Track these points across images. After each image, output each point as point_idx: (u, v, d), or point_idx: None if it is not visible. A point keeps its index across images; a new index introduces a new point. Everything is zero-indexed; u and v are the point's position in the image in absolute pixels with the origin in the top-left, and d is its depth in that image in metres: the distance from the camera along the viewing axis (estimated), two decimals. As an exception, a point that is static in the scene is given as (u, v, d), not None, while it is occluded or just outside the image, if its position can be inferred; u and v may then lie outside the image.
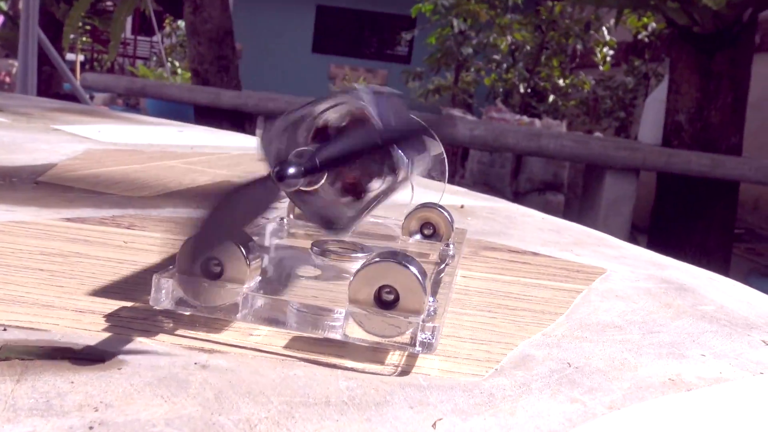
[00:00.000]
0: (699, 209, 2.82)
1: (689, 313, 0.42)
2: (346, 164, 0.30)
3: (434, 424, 0.24)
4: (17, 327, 0.28)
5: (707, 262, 0.60)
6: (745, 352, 0.36)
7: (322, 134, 0.31)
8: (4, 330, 0.28)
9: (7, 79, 6.52)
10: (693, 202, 2.84)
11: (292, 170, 0.26)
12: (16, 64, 3.65)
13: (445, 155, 0.46)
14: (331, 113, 0.32)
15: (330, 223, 0.31)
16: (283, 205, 0.48)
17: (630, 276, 0.50)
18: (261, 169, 0.29)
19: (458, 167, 4.30)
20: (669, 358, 0.33)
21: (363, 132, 0.30)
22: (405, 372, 0.28)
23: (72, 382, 0.24)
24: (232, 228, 0.28)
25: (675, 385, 0.30)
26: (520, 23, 5.45)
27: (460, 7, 5.30)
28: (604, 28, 5.37)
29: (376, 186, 0.32)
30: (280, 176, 0.26)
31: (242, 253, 0.29)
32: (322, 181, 0.29)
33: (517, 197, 3.73)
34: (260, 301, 0.30)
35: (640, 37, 5.13)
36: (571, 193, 4.06)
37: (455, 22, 5.40)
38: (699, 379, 0.31)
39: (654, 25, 4.83)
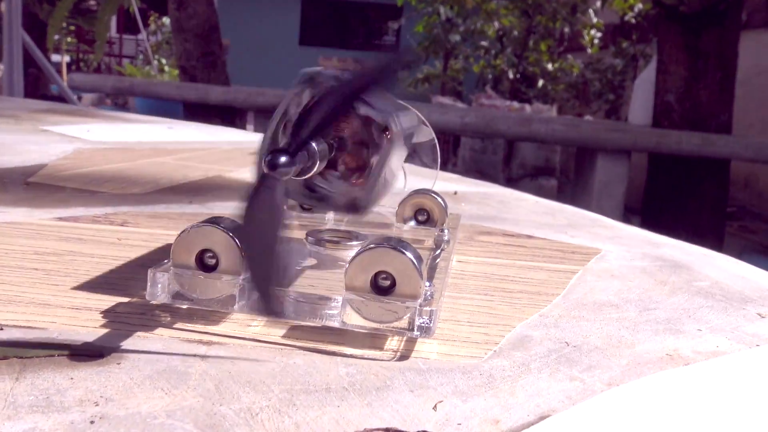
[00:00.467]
0: (691, 188, 2.83)
1: (685, 289, 0.42)
2: (326, 128, 0.29)
3: (435, 406, 0.24)
4: (14, 326, 0.28)
5: (700, 240, 0.61)
6: (741, 325, 0.36)
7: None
8: (1, 330, 0.28)
9: (-7, 83, 6.46)
10: (685, 181, 2.85)
11: (282, 158, 0.26)
12: (1, 67, 3.62)
13: (436, 141, 0.46)
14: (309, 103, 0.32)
15: (352, 207, 0.32)
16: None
17: (625, 255, 0.50)
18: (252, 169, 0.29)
19: (450, 155, 4.30)
20: (666, 334, 0.34)
21: (326, 96, 0.30)
22: (404, 357, 0.28)
23: (71, 378, 0.24)
24: (274, 252, 0.28)
25: (672, 360, 0.30)
26: (507, 8, 5.44)
27: (446, -5, 5.28)
28: (590, 11, 5.37)
29: (375, 156, 0.32)
30: (273, 165, 0.26)
31: (236, 244, 0.29)
32: (317, 165, 0.28)
33: (510, 183, 3.74)
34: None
35: (627, 18, 5.13)
36: (563, 177, 4.07)
37: (442, 10, 5.38)
38: (696, 354, 0.31)
39: (640, 5, 4.83)
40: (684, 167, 2.81)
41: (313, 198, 0.32)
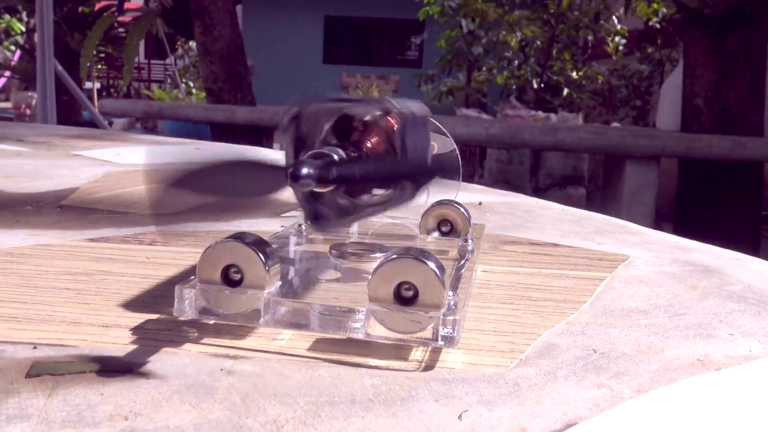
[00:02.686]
0: (724, 193, 2.78)
1: (716, 293, 0.41)
2: (361, 186, 0.30)
3: (460, 415, 0.24)
4: (47, 344, 0.29)
5: (735, 246, 0.59)
6: (775, 328, 0.35)
7: (344, 123, 0.32)
8: (35, 348, 0.28)
9: (27, 111, 6.65)
10: (717, 186, 2.79)
11: (305, 171, 0.26)
12: (35, 95, 3.72)
13: (458, 151, 0.46)
14: (358, 108, 0.32)
15: (318, 219, 0.32)
16: (300, 213, 0.48)
17: (654, 261, 0.49)
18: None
19: (477, 167, 4.28)
20: (696, 339, 0.33)
21: (386, 164, 0.30)
22: (429, 367, 0.28)
23: (102, 394, 0.24)
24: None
25: (704, 365, 0.30)
26: (529, 19, 5.42)
27: (467, 8, 5.29)
28: (614, 17, 5.33)
29: (378, 193, 0.32)
30: (295, 177, 0.26)
31: (261, 259, 0.30)
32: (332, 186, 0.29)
33: (538, 193, 3.70)
34: (282, 305, 0.30)
35: (651, 23, 5.08)
36: (592, 186, 4.03)
37: (464, 23, 5.40)
38: (728, 359, 0.31)
39: (664, 10, 4.77)
40: (716, 172, 2.76)
41: (346, 207, 0.32)
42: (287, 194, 0.31)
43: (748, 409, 0.26)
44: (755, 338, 0.34)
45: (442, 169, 0.31)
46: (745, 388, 0.28)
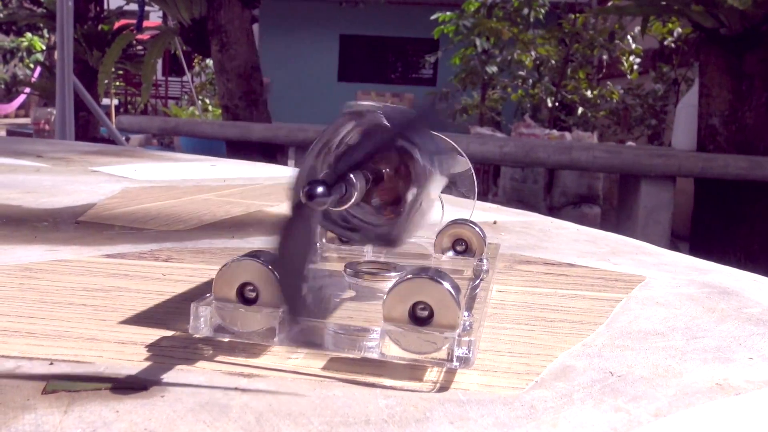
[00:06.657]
0: (740, 213, 2.75)
1: (734, 316, 0.41)
2: (363, 165, 0.30)
3: (476, 438, 0.24)
4: (63, 360, 0.29)
5: (752, 266, 0.59)
6: (795, 353, 0.34)
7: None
8: (51, 364, 0.28)
9: (47, 127, 6.75)
10: (734, 206, 2.77)
11: (320, 188, 0.27)
12: (54, 112, 3.78)
13: (473, 170, 0.46)
14: (351, 136, 0.32)
15: (385, 239, 0.32)
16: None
17: (670, 282, 0.49)
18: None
19: (491, 185, 4.28)
20: (715, 362, 0.33)
21: (372, 133, 0.31)
22: (444, 388, 0.28)
23: (117, 411, 0.24)
24: (302, 274, 0.29)
25: (722, 389, 0.29)
26: (544, 38, 5.44)
27: (481, 26, 5.32)
28: (629, 37, 5.33)
29: (411, 192, 0.32)
30: (311, 195, 0.26)
31: (276, 277, 0.30)
32: (354, 197, 0.29)
33: (552, 212, 3.69)
34: (297, 324, 0.30)
35: (666, 43, 5.07)
36: (607, 205, 4.00)
37: (478, 42, 5.42)
38: (747, 383, 0.30)
39: (680, 30, 4.77)
40: (732, 191, 2.74)
41: (347, 229, 0.33)
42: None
43: (769, 436, 0.25)
44: (775, 362, 0.33)
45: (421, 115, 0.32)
46: (765, 413, 0.27)
